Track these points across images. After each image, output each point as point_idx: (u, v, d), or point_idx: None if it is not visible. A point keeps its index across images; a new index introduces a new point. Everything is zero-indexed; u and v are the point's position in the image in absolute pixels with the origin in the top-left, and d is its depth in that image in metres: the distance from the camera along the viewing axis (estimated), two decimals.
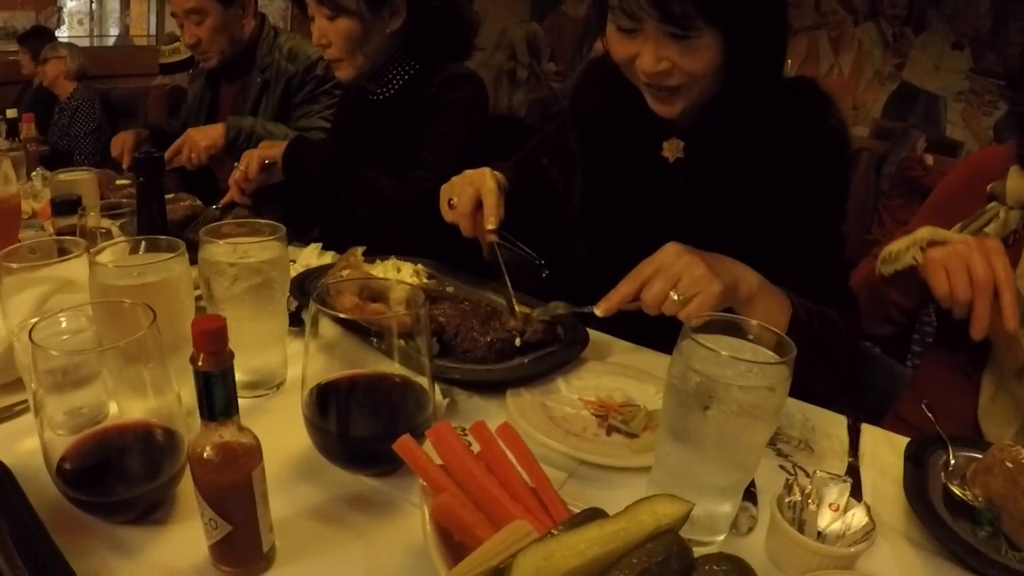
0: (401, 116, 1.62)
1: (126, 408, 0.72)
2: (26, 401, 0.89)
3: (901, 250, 1.12)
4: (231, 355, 0.59)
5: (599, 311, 0.97)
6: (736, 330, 0.74)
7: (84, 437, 0.70)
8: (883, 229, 4.88)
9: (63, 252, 1.34)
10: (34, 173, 2.03)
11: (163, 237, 0.87)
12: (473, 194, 1.12)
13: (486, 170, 1.18)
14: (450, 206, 1.15)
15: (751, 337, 0.73)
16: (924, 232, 1.10)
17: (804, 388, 1.19)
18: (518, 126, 2.06)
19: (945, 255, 1.00)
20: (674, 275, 0.93)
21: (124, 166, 2.07)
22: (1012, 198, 1.14)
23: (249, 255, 0.86)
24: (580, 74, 1.32)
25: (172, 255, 0.83)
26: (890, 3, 6.28)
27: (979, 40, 5.95)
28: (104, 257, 0.85)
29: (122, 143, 2.13)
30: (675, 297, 0.92)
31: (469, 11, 1.69)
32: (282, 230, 0.91)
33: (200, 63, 2.23)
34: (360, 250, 1.19)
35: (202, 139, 1.93)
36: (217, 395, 0.59)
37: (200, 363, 0.58)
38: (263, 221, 0.94)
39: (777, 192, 1.10)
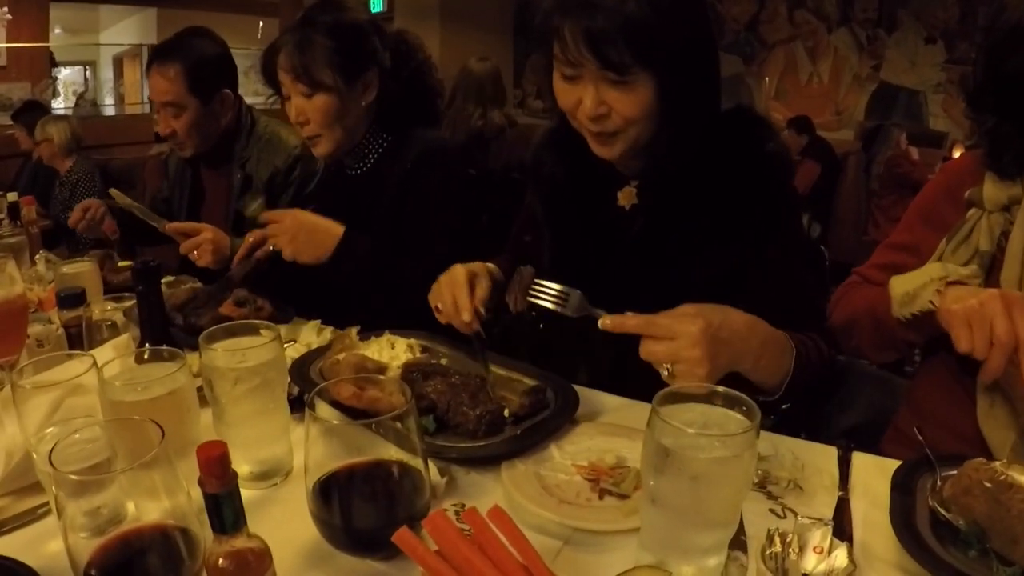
0: (379, 191, 1.66)
1: (142, 508, 0.76)
2: (47, 503, 0.94)
3: (917, 290, 1.10)
4: (235, 475, 0.64)
5: (605, 321, 0.99)
6: (706, 396, 0.78)
7: (107, 543, 0.74)
8: (878, 229, 4.91)
9: (70, 338, 1.39)
10: (37, 256, 2.08)
11: (165, 348, 0.93)
12: (451, 300, 1.18)
13: (459, 271, 1.22)
14: (438, 311, 1.21)
15: (720, 403, 0.77)
16: (937, 269, 1.11)
17: (795, 419, 1.23)
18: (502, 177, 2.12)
19: (968, 310, 1.00)
20: (674, 351, 0.95)
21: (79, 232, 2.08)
22: (990, 203, 1.16)
23: (247, 359, 0.91)
24: (536, 144, 1.39)
25: (176, 367, 0.88)
26: (860, 7, 6.37)
27: (950, 31, 6.03)
28: (112, 370, 0.91)
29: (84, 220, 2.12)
30: (664, 373, 0.97)
31: (436, 80, 1.75)
32: (277, 333, 0.96)
33: (175, 150, 2.19)
34: (355, 330, 1.24)
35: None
36: (226, 513, 0.64)
37: (208, 487, 0.63)
38: (260, 314, 0.99)
39: (726, 222, 1.17)
